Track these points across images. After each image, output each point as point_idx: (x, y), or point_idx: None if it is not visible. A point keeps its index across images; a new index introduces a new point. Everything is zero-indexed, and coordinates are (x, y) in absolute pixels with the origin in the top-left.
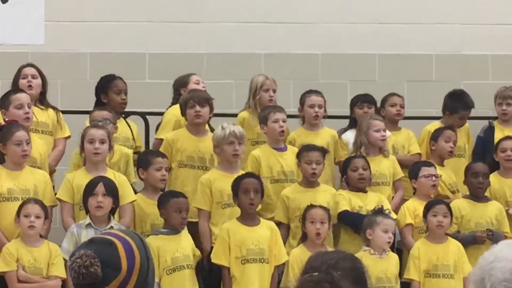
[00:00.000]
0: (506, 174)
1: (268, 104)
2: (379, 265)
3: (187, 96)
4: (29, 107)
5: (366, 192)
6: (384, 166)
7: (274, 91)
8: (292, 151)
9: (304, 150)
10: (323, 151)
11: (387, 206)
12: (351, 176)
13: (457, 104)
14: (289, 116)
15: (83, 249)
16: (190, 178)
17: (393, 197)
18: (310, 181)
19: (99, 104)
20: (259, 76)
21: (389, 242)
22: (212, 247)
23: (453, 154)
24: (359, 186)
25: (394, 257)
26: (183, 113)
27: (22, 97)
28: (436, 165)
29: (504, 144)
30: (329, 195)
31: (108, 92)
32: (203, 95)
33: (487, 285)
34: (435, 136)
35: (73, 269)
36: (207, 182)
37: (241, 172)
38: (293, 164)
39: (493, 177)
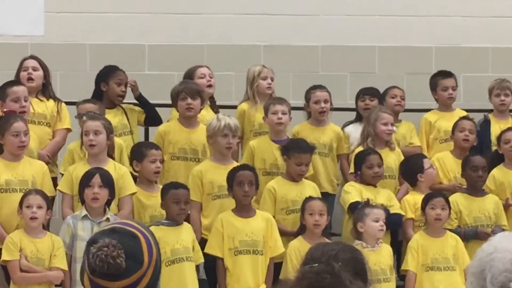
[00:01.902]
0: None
1: (267, 92)
2: (372, 257)
3: (179, 88)
4: (25, 101)
5: (376, 186)
6: (390, 159)
7: (272, 79)
8: None
9: (296, 150)
10: (312, 151)
11: (396, 203)
12: (366, 173)
13: (436, 77)
14: None
15: (106, 237)
16: (182, 170)
17: (398, 190)
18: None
19: (97, 92)
20: (255, 66)
21: (381, 230)
22: (202, 239)
23: (470, 143)
24: (373, 182)
25: (387, 249)
26: (174, 104)
27: (19, 90)
28: (456, 159)
29: (508, 136)
30: (313, 189)
31: (109, 81)
32: (195, 87)
33: (487, 276)
34: (453, 129)
35: (99, 257)
36: (198, 174)
37: (234, 163)
38: None
39: (499, 170)
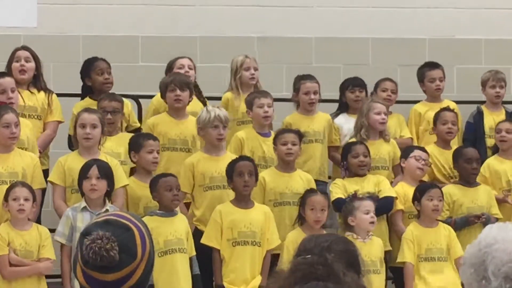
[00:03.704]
0: (506, 156)
1: (250, 83)
2: (363, 249)
3: (168, 80)
4: (12, 91)
5: (363, 175)
6: (384, 151)
7: (256, 69)
8: None
9: (280, 132)
10: (299, 134)
11: (386, 186)
12: (352, 163)
13: (423, 69)
14: (281, 100)
15: (99, 229)
16: (173, 161)
17: (391, 182)
18: (286, 164)
19: (85, 89)
20: (238, 56)
21: (372, 223)
22: (195, 229)
23: (454, 135)
24: (359, 172)
25: (377, 241)
26: (163, 96)
27: (5, 82)
28: (440, 149)
29: (500, 126)
30: (305, 181)
31: (90, 74)
32: (184, 79)
33: (489, 266)
34: (434, 121)
35: (92, 249)
36: (190, 165)
37: (226, 154)
38: None
39: (494, 159)
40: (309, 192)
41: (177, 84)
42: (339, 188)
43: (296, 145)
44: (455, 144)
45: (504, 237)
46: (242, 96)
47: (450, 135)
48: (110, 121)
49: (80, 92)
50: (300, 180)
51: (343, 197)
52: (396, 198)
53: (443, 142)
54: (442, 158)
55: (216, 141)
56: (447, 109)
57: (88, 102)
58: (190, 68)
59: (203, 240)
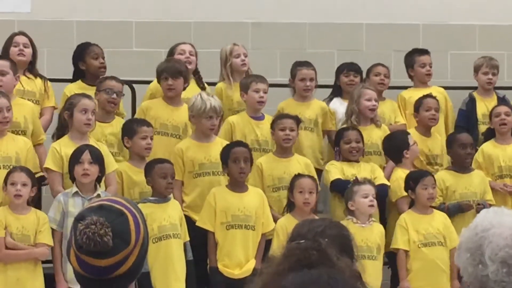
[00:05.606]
0: (503, 141)
1: (242, 69)
2: (361, 233)
3: (161, 68)
4: (2, 74)
5: (358, 162)
6: (376, 136)
7: (245, 55)
8: (269, 120)
9: (278, 118)
10: (297, 119)
11: (380, 174)
12: (344, 148)
13: (412, 54)
14: (275, 86)
15: (93, 214)
16: (163, 146)
17: (384, 167)
18: (284, 150)
19: (77, 73)
20: (226, 45)
21: (372, 206)
22: (185, 216)
23: (436, 122)
24: (351, 158)
25: (378, 228)
26: (159, 82)
27: None
28: (422, 135)
29: (498, 109)
30: (303, 166)
31: (85, 58)
32: (176, 67)
33: (485, 251)
34: (416, 107)
35: (86, 235)
36: (179, 152)
37: (216, 140)
38: (269, 133)
39: (489, 144)
40: (297, 176)
41: (169, 73)
42: (337, 169)
43: (294, 131)
44: (437, 132)
45: (500, 222)
46: (234, 84)
47: (432, 122)
48: (115, 102)
49: (72, 77)
50: (297, 164)
51: (342, 178)
52: (389, 185)
53: (425, 129)
54: (422, 145)
55: (209, 131)
56: (430, 95)
57: (80, 85)
58: (191, 54)
59: (198, 223)
